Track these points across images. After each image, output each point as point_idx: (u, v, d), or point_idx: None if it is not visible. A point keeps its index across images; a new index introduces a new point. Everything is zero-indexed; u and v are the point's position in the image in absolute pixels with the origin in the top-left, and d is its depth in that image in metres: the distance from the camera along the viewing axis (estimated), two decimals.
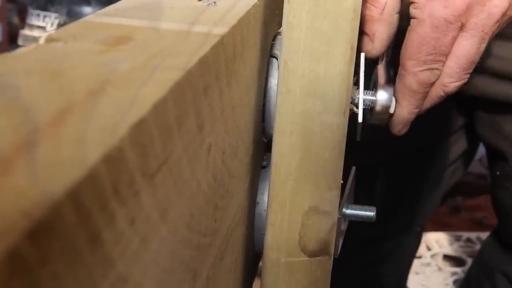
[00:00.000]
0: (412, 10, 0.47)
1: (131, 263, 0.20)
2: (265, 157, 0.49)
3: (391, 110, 0.50)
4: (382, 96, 0.49)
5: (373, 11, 0.48)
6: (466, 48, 0.47)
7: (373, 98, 0.49)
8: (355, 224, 1.00)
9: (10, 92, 0.20)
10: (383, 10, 0.47)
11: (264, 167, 0.48)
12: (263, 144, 0.48)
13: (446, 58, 0.48)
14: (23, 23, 2.61)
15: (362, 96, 0.47)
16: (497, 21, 0.47)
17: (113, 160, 0.17)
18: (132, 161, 0.19)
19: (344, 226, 0.49)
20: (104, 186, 0.17)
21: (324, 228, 0.42)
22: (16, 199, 0.14)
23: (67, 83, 0.21)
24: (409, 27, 0.48)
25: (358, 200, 0.50)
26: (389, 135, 0.55)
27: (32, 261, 0.14)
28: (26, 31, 2.45)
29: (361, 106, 0.47)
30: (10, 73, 0.21)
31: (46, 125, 0.18)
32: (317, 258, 0.43)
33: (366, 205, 0.48)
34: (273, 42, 0.45)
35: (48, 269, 0.14)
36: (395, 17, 0.48)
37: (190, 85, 0.24)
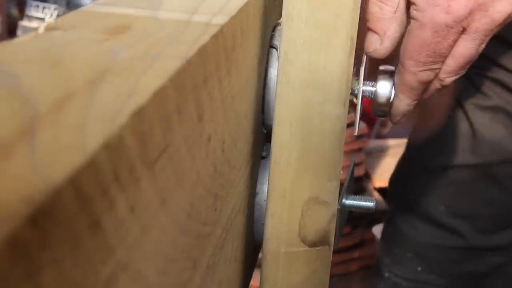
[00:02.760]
0: (413, 12, 0.46)
1: (131, 251, 0.20)
2: (264, 147, 0.49)
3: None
4: (383, 88, 0.49)
5: (385, 10, 0.47)
6: (466, 50, 0.47)
7: (373, 89, 0.49)
8: (467, 229, 0.97)
9: (10, 80, 0.20)
10: (396, 8, 0.47)
11: (263, 157, 0.48)
12: (262, 135, 0.48)
13: (446, 58, 0.48)
14: (22, 14, 2.60)
15: (361, 87, 0.47)
16: (499, 25, 0.47)
17: (113, 147, 0.17)
18: (132, 148, 0.19)
19: (344, 217, 0.49)
20: (105, 173, 0.17)
21: (324, 218, 0.42)
22: (17, 185, 0.14)
23: (67, 71, 0.21)
24: (409, 27, 0.47)
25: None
26: None
27: (32, 246, 0.14)
28: (25, 23, 2.45)
29: (359, 98, 0.47)
30: (9, 61, 0.21)
31: (46, 113, 0.18)
32: (317, 248, 0.43)
33: (366, 196, 0.48)
34: (273, 33, 0.45)
35: (48, 254, 0.14)
36: (405, 16, 0.48)
37: (189, 74, 0.24)
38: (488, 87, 0.92)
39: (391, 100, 0.50)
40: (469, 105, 0.94)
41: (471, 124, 0.94)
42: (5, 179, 0.15)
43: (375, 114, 0.51)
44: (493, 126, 0.93)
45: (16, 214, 0.13)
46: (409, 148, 1.08)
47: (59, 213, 0.15)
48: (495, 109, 0.92)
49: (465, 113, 0.94)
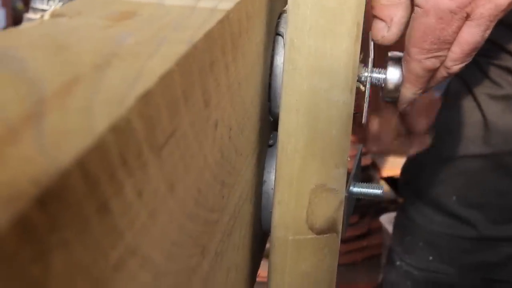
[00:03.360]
0: None
1: (139, 235, 0.20)
2: (271, 135, 0.49)
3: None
4: (392, 74, 0.49)
5: None
6: (471, 37, 0.47)
7: (383, 76, 0.48)
8: (479, 219, 0.97)
9: (16, 65, 0.20)
10: None
11: (270, 145, 0.48)
12: (269, 122, 0.48)
13: (451, 45, 0.48)
14: (27, 7, 2.60)
15: (370, 74, 0.47)
16: (503, 11, 0.47)
17: (120, 130, 0.17)
18: (139, 132, 0.18)
19: (352, 205, 0.49)
20: (112, 156, 0.17)
21: (331, 205, 0.42)
22: (24, 167, 0.14)
23: (73, 56, 0.21)
24: (413, 15, 0.47)
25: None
26: None
27: (41, 227, 0.14)
28: (30, 15, 2.45)
29: (368, 85, 0.47)
30: (15, 47, 0.21)
31: (52, 96, 0.18)
32: (325, 235, 0.43)
33: (374, 183, 0.48)
34: (278, 20, 0.45)
35: (57, 236, 0.14)
36: (410, 2, 0.48)
37: (196, 59, 0.24)
38: (499, 76, 0.92)
39: (400, 86, 0.50)
40: (481, 95, 0.94)
41: (483, 114, 0.94)
42: (13, 162, 0.15)
43: (384, 100, 0.51)
44: (505, 116, 0.92)
45: (24, 196, 0.13)
46: None
47: (67, 195, 0.15)
48: (507, 98, 0.92)
49: (477, 103, 0.94)
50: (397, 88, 0.49)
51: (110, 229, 0.17)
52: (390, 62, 0.49)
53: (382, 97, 0.50)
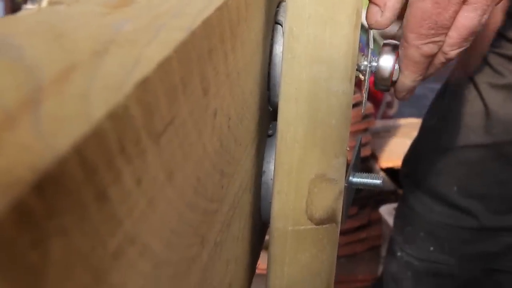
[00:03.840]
0: None
1: (138, 223, 0.20)
2: (270, 125, 0.49)
3: (394, 77, 0.50)
4: (385, 62, 0.49)
5: None
6: (468, 21, 0.47)
7: (375, 64, 0.48)
8: (480, 209, 0.97)
9: (14, 52, 0.19)
10: None
11: (270, 135, 0.48)
12: (268, 112, 0.47)
13: (449, 30, 0.47)
14: None
15: (369, 62, 0.47)
16: None
17: (118, 116, 0.17)
18: (137, 119, 0.18)
19: (351, 195, 0.49)
20: (110, 142, 0.17)
21: (331, 196, 0.42)
22: (22, 154, 0.14)
23: (71, 43, 0.21)
24: (410, 0, 0.47)
25: None
26: None
27: (39, 214, 0.14)
28: (29, 6, 2.44)
29: (367, 74, 0.47)
30: (13, 34, 0.21)
31: (50, 83, 0.17)
32: (324, 226, 0.43)
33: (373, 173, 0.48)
34: (277, 9, 0.45)
35: (55, 223, 0.14)
36: None
37: (194, 46, 0.24)
38: (502, 65, 0.92)
39: (393, 74, 0.49)
40: (483, 84, 0.94)
41: (485, 104, 0.94)
42: (10, 148, 0.14)
43: (377, 88, 0.51)
44: (507, 105, 0.92)
45: (21, 182, 0.13)
46: (422, 128, 1.07)
47: (64, 182, 0.14)
48: (509, 88, 0.92)
49: (479, 92, 0.94)
50: (390, 76, 0.49)
51: (108, 217, 0.17)
52: (383, 50, 0.49)
53: (375, 85, 0.50)
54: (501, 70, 0.92)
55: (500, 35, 0.89)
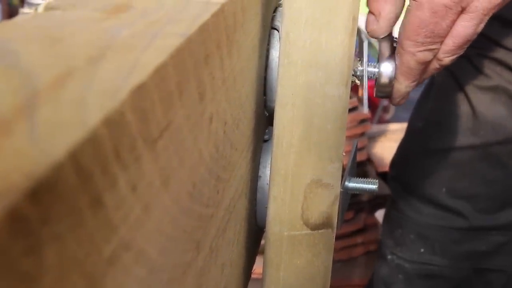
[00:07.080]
0: None
1: (133, 230, 0.20)
2: (266, 130, 0.49)
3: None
4: (386, 68, 0.49)
5: None
6: (465, 30, 0.47)
7: (376, 70, 0.48)
8: (469, 209, 0.97)
9: (10, 57, 0.19)
10: None
11: (266, 140, 0.48)
12: (265, 117, 0.47)
13: (445, 38, 0.48)
14: (22, 2, 2.59)
15: (366, 68, 0.47)
16: (498, 5, 0.47)
17: (114, 123, 0.17)
18: (133, 125, 0.18)
19: (347, 200, 0.49)
20: (105, 149, 0.17)
21: (326, 201, 0.42)
22: (16, 160, 0.14)
23: (67, 49, 0.21)
24: (408, 7, 0.47)
25: None
26: None
27: (33, 220, 0.14)
28: (25, 10, 2.44)
29: (365, 78, 0.47)
30: (9, 39, 0.21)
31: (46, 89, 0.17)
32: (320, 231, 0.43)
33: (369, 178, 0.48)
34: (274, 14, 0.45)
35: (49, 229, 0.14)
36: None
37: (190, 52, 0.24)
38: (488, 67, 0.92)
39: (393, 81, 0.50)
40: (469, 86, 0.94)
41: (471, 105, 0.94)
42: (5, 154, 0.14)
43: (377, 95, 0.51)
44: (493, 106, 0.92)
45: (15, 188, 0.13)
46: (409, 130, 1.07)
47: (59, 188, 0.14)
48: (495, 89, 0.92)
49: (466, 94, 0.94)
50: (390, 82, 0.49)
51: (104, 223, 0.17)
52: (383, 57, 0.49)
53: (375, 92, 0.50)
54: (488, 73, 0.92)
55: (487, 37, 0.89)
